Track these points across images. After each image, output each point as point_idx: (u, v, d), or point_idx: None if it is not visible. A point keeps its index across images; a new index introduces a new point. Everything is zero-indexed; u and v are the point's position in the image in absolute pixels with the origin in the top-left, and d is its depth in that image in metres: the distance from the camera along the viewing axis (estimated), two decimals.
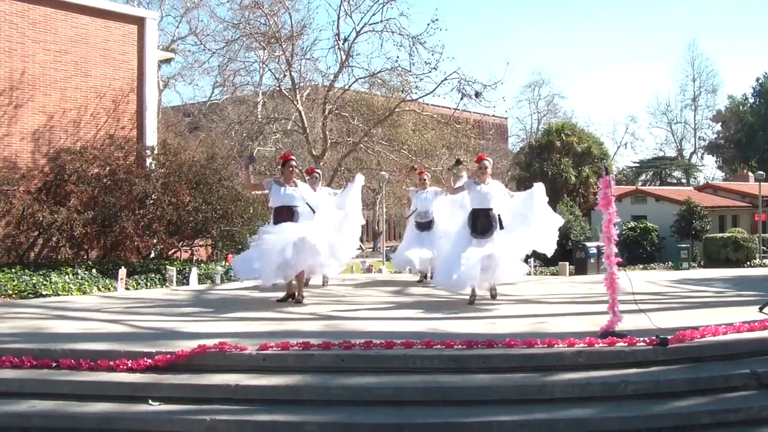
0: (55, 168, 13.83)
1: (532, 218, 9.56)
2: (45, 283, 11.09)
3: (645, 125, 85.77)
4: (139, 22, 16.41)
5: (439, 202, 11.96)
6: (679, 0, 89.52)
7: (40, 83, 14.69)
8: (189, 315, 8.66)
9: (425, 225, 11.95)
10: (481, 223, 9.02)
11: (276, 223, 9.19)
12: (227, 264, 13.71)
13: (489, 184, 9.25)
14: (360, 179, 11.78)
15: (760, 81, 62.32)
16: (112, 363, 5.91)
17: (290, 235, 8.83)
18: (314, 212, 9.33)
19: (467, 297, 9.38)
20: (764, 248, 28.75)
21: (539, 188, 9.71)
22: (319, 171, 12.29)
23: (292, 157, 9.79)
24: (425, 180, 12.37)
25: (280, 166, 9.85)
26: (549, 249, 9.73)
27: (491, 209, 9.08)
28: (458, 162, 10.81)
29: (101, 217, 13.26)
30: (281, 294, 9.64)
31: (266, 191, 9.67)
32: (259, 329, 7.32)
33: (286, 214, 9.13)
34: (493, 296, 9.54)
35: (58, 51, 14.93)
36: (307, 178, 11.41)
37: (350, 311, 8.77)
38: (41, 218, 12.42)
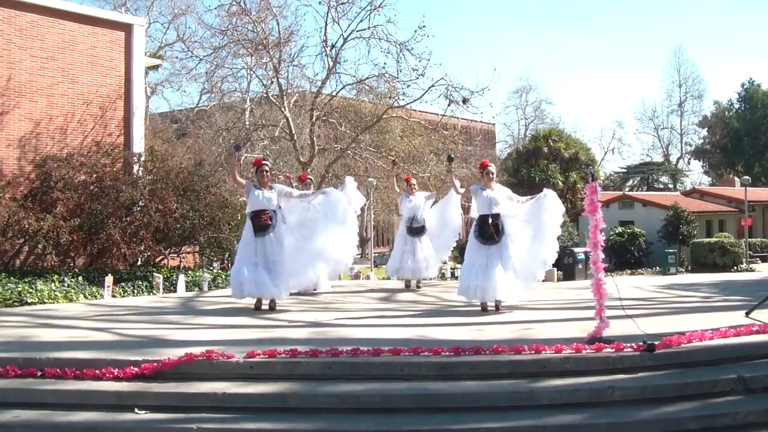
0: (42, 175, 13.72)
1: (545, 230, 9.57)
2: (30, 290, 10.99)
3: (632, 131, 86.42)
4: (127, 28, 16.35)
5: (427, 210, 12.09)
6: (665, 6, 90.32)
7: (26, 90, 14.60)
8: (176, 323, 8.62)
9: (417, 230, 12.03)
10: (489, 228, 9.07)
11: (254, 226, 9.34)
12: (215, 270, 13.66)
13: (494, 190, 9.34)
14: (351, 184, 11.73)
15: (746, 87, 62.89)
16: (98, 372, 5.87)
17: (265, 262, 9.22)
18: (284, 220, 9.55)
19: (455, 306, 9.37)
20: (751, 253, 28.94)
21: (552, 198, 9.60)
22: (311, 177, 12.39)
23: (264, 161, 9.99)
24: (413, 185, 12.43)
25: (254, 171, 10.03)
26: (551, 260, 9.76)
27: (498, 214, 9.18)
28: (450, 159, 10.97)
29: (88, 225, 13.17)
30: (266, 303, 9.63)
31: (245, 194, 9.79)
32: (247, 337, 7.30)
33: (263, 218, 9.32)
34: (496, 308, 9.15)
35: (45, 57, 14.84)
36: (298, 185, 11.65)
37: (338, 318, 8.77)
38: (27, 225, 12.30)
